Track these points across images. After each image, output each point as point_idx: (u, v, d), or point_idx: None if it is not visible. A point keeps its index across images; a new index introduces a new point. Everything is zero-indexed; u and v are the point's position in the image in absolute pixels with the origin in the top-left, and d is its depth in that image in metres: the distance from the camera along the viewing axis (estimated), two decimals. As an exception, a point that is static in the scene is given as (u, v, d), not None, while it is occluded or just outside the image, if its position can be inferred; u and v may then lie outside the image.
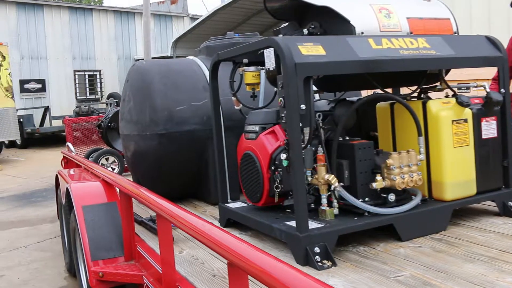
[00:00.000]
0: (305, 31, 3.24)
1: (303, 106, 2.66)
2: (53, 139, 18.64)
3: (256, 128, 3.25)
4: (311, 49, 2.75)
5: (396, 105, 3.46)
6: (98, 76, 22.88)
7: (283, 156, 2.76)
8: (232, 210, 3.47)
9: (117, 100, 19.33)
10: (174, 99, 4.32)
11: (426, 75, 3.40)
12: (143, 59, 18.63)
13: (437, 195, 3.26)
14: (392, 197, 3.06)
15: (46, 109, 18.99)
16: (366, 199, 3.06)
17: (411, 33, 3.29)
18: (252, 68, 3.39)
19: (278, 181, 3.04)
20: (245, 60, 3.46)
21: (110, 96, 21.10)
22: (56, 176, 5.19)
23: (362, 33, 3.12)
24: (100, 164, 6.58)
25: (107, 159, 6.64)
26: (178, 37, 21.00)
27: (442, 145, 3.19)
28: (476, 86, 3.63)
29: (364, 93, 4.74)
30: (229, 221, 3.58)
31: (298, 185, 2.65)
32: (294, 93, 2.62)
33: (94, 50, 23.01)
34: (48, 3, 21.83)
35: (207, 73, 4.55)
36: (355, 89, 3.71)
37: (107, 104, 19.26)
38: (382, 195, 3.09)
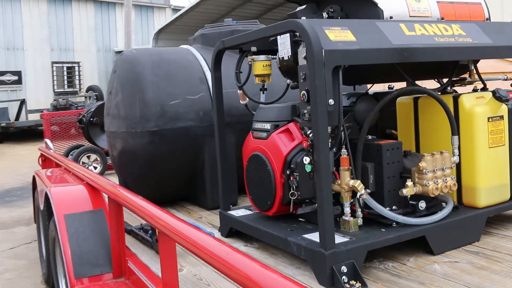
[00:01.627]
0: (324, 15, 2.83)
1: (331, 101, 2.26)
2: (29, 134, 17.92)
3: (267, 126, 2.83)
4: (339, 34, 2.35)
5: (420, 100, 3.08)
6: (76, 68, 22.13)
7: (306, 159, 2.36)
8: (237, 219, 3.05)
9: (97, 94, 18.72)
10: (167, 92, 3.88)
11: (457, 66, 3.02)
12: (123, 51, 18.08)
13: (469, 202, 2.90)
14: (422, 204, 2.68)
15: (22, 102, 18.23)
16: (394, 207, 2.68)
17: (442, 18, 2.91)
18: (262, 57, 2.97)
19: (294, 187, 2.64)
20: (254, 48, 3.05)
21: (90, 89, 20.41)
22: (33, 177, 4.70)
23: (391, 17, 2.73)
24: (81, 163, 6.10)
25: (88, 157, 6.17)
26: (160, 29, 20.38)
27: (477, 145, 2.82)
28: (506, 79, 3.27)
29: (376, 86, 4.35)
30: (231, 230, 3.17)
31: (324, 194, 2.25)
32: (321, 85, 2.21)
33: (73, 41, 22.23)
34: (25, -8, 21.06)
35: (203, 63, 4.13)
36: (377, 82, 3.32)
37: (86, 97, 18.60)
38: (411, 202, 2.71)
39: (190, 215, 3.89)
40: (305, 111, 2.35)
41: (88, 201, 3.26)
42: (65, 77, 21.67)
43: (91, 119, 6.24)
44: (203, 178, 4.00)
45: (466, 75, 3.16)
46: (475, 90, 3.10)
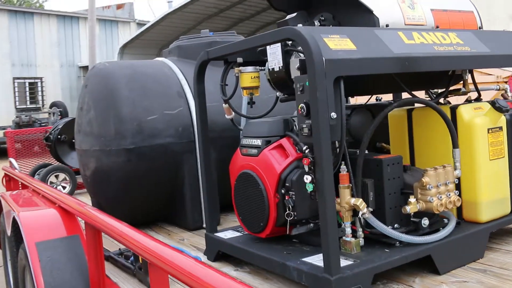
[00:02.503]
0: (316, 23, 2.68)
1: (333, 115, 2.09)
2: (-10, 152, 17.30)
3: (258, 142, 2.64)
4: (339, 42, 2.19)
5: (415, 111, 2.95)
6: (39, 84, 21.53)
7: (307, 178, 2.17)
8: (226, 242, 2.84)
9: (61, 110, 18.21)
10: (143, 107, 3.65)
11: (453, 76, 2.90)
12: (87, 66, 17.64)
13: (470, 217, 2.76)
14: (426, 222, 2.53)
15: (-18, 119, 17.62)
16: (396, 225, 2.52)
17: (437, 27, 2.79)
18: (250, 68, 2.79)
19: (290, 207, 2.45)
20: (240, 59, 2.87)
21: (53, 105, 19.81)
22: (-2, 200, 4.37)
23: (387, 25, 2.59)
24: (48, 182, 5.78)
25: (56, 177, 5.84)
26: (125, 43, 20.02)
27: (477, 158, 2.69)
28: (499, 90, 3.18)
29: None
30: (218, 253, 2.95)
31: (328, 215, 2.06)
32: (323, 98, 2.04)
33: (35, 56, 21.64)
34: (-16, 6, 20.44)
35: (180, 76, 3.92)
36: (372, 93, 3.17)
37: (49, 113, 18.06)
38: (412, 219, 2.55)
39: (170, 237, 3.65)
40: (304, 126, 2.17)
41: (62, 227, 3.00)
42: (27, 93, 21.03)
43: (59, 136, 5.93)
44: (182, 197, 3.77)
45: (460, 85, 3.05)
46: (468, 101, 2.99)
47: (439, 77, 3.01)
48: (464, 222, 2.75)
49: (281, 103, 2.94)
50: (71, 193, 5.77)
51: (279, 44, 2.60)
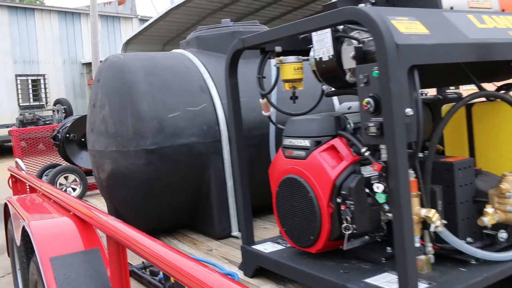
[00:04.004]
0: (364, 5, 2.33)
1: (409, 111, 1.75)
2: (-6, 151, 16.95)
3: (306, 143, 2.29)
4: (409, 25, 1.84)
5: (475, 107, 2.60)
6: (42, 81, 21.14)
7: (378, 187, 1.83)
8: (266, 256, 2.50)
9: (65, 107, 17.86)
10: (164, 103, 3.31)
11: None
12: (90, 62, 17.29)
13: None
14: (503, 235, 2.18)
15: (-15, 117, 17.27)
16: (468, 239, 2.17)
17: (503, 10, 2.44)
18: (292, 58, 2.45)
19: (348, 219, 2.10)
20: (278, 48, 2.52)
21: (57, 102, 19.44)
22: (5, 204, 4.03)
23: (452, 8, 2.24)
24: (57, 184, 5.44)
25: (66, 178, 5.50)
26: (128, 39, 19.68)
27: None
28: None
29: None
30: (256, 268, 2.62)
31: (406, 230, 1.72)
32: (397, 90, 1.69)
33: (37, 53, 21.21)
34: (-16, 2, 20.04)
35: (202, 69, 3.57)
36: (430, 86, 2.82)
37: (53, 111, 17.70)
38: (485, 231, 2.21)
39: (197, 247, 3.31)
40: (371, 124, 1.82)
41: (79, 239, 2.66)
42: (30, 90, 20.67)
43: (67, 135, 5.59)
44: (208, 202, 3.43)
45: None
46: None
47: (500, 68, 2.66)
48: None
49: (326, 97, 2.59)
50: (81, 195, 5.44)
51: (329, 30, 2.25)
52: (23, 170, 5.07)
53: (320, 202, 2.20)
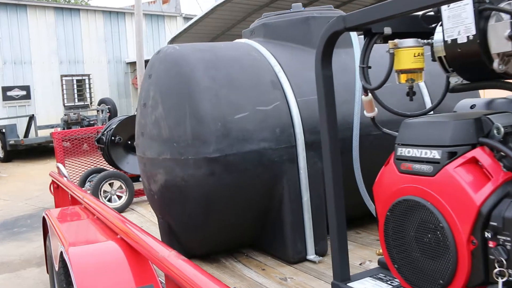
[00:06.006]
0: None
1: None
2: (40, 151, 16.82)
3: (435, 154, 1.68)
4: None
5: None
6: (87, 81, 21.07)
7: None
8: (373, 301, 1.90)
9: (109, 107, 17.68)
10: (229, 102, 2.75)
11: None
12: (135, 62, 17.07)
13: None
14: None
15: (31, 118, 17.15)
16: None
17: None
18: (410, 41, 1.83)
19: (502, 261, 1.49)
20: (388, 30, 1.91)
21: (102, 102, 19.30)
22: (44, 218, 3.56)
23: None
24: (102, 192, 4.98)
25: (111, 184, 5.03)
26: (173, 37, 19.40)
27: None
28: None
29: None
30: (351, 311, 2.02)
31: None
32: None
33: (82, 53, 21.18)
34: (32, 3, 20.00)
35: (273, 61, 3.00)
36: None
37: (98, 111, 17.53)
38: None
39: (266, 274, 2.75)
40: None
41: (129, 272, 2.15)
42: (75, 90, 20.64)
43: (113, 137, 5.12)
44: (280, 220, 2.86)
45: None
46: None
47: None
48: None
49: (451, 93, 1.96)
50: (127, 204, 4.96)
51: (469, 1, 1.64)
52: (65, 176, 4.63)
53: (456, 235, 1.58)
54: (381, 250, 2.34)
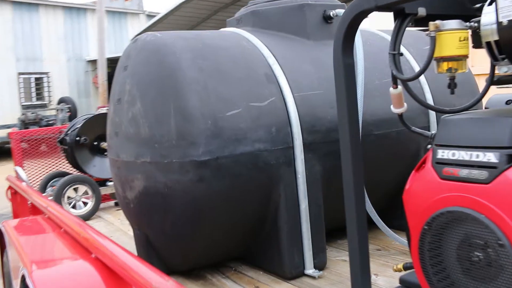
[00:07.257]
0: None
1: None
2: (-6, 152, 16.05)
3: (490, 157, 1.39)
4: None
5: None
6: (45, 79, 20.25)
7: None
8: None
9: (70, 106, 17.01)
10: (220, 96, 2.41)
11: None
12: (96, 60, 16.46)
13: None
14: None
15: (-15, 117, 16.38)
16: None
17: None
18: (454, 23, 1.54)
19: None
20: (422, 10, 1.62)
21: (61, 101, 18.52)
22: (0, 231, 3.11)
23: None
24: (66, 198, 4.54)
25: (75, 190, 4.59)
26: (137, 35, 18.85)
27: None
28: None
29: None
30: None
31: None
32: None
33: (41, 50, 20.33)
34: (-14, -3, 19.18)
35: (266, 52, 2.68)
36: None
37: (57, 110, 16.81)
38: None
39: (262, 294, 2.42)
40: None
41: (106, 299, 1.78)
42: (33, 89, 19.80)
43: (78, 138, 4.68)
44: (276, 231, 2.54)
45: None
46: None
47: None
48: None
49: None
50: (94, 211, 4.53)
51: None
52: (25, 181, 4.17)
53: (526, 259, 1.30)
54: (399, 266, 2.06)
